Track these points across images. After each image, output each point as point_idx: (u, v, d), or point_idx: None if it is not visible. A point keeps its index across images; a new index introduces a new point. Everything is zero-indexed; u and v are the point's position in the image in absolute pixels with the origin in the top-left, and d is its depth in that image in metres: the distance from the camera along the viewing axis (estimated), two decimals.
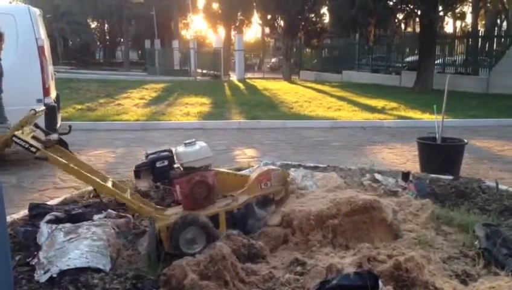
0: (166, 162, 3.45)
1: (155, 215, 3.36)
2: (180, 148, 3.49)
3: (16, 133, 3.07)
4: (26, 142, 3.08)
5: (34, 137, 3.30)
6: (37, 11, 6.85)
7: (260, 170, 3.72)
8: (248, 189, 3.57)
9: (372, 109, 12.91)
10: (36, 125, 3.47)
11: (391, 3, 20.22)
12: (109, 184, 3.45)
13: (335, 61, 30.19)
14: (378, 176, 4.83)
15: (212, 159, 3.55)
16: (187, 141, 3.53)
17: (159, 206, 3.68)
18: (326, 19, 32.73)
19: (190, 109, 12.76)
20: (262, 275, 2.88)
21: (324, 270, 2.80)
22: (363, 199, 3.49)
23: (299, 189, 4.56)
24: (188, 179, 3.35)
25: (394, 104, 13.80)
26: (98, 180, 3.35)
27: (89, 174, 3.33)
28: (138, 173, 3.50)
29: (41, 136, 3.46)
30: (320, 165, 5.83)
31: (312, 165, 5.83)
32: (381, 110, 12.80)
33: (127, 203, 3.37)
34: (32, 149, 3.09)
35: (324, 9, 31.50)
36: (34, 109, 3.28)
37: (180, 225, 3.18)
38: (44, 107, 3.48)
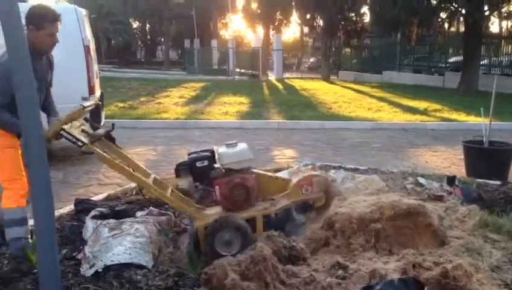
0: (206, 162, 3.46)
1: (194, 215, 3.39)
2: (222, 149, 3.50)
3: (64, 127, 3.14)
4: (74, 136, 3.15)
5: (83, 131, 3.37)
6: (83, 11, 7.03)
7: (302, 175, 3.65)
8: (288, 193, 3.51)
9: (414, 111, 12.63)
10: (86, 119, 3.56)
11: (434, 2, 19.74)
12: (150, 180, 3.48)
13: (375, 62, 29.70)
14: (421, 180, 4.72)
15: (253, 162, 3.52)
16: (229, 142, 3.53)
17: (198, 205, 3.69)
18: (367, 18, 32.32)
19: (229, 108, 12.82)
20: (303, 278, 2.84)
21: (367, 275, 2.75)
22: (407, 203, 3.41)
23: (340, 191, 4.52)
24: (227, 181, 3.34)
25: (437, 106, 13.45)
26: (141, 177, 3.40)
27: (132, 171, 3.38)
28: (178, 171, 3.54)
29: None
30: (361, 167, 5.74)
31: (352, 167, 5.75)
32: (424, 112, 12.50)
33: (166, 201, 3.39)
34: (79, 143, 3.16)
35: (365, 9, 31.08)
36: (83, 104, 3.35)
37: (216, 226, 3.19)
38: (93, 102, 3.55)
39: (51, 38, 3.30)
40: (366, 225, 3.32)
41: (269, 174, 3.85)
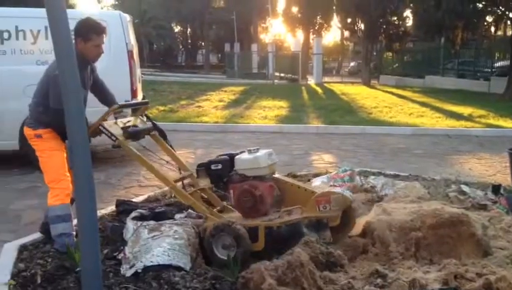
0: (220, 166, 3.52)
1: (206, 214, 3.45)
2: (240, 155, 3.52)
3: (104, 123, 3.41)
4: (109, 131, 3.41)
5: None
6: (127, 17, 7.20)
7: (321, 190, 3.48)
8: (303, 208, 3.34)
9: (458, 116, 12.29)
10: (147, 116, 3.87)
11: (480, 5, 19.22)
12: (176, 176, 3.68)
13: (417, 66, 29.14)
14: (465, 188, 4.60)
15: (267, 170, 3.43)
16: (251, 148, 3.53)
17: (230, 207, 3.71)
18: (410, 22, 31.82)
19: (268, 112, 12.85)
20: (341, 285, 2.81)
21: (406, 285, 2.70)
22: (450, 211, 3.32)
23: (379, 198, 4.45)
24: (238, 186, 3.38)
25: (482, 112, 13.04)
26: (165, 176, 3.56)
27: (158, 170, 3.54)
28: (197, 172, 3.67)
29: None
30: (402, 174, 5.63)
31: (393, 173, 5.65)
32: (468, 118, 12.14)
33: (182, 199, 3.52)
34: (113, 138, 3.41)
35: (407, 12, 30.58)
36: (118, 104, 3.65)
37: (212, 229, 3.24)
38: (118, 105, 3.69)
39: (97, 49, 3.53)
40: (406, 233, 3.25)
41: (295, 183, 3.69)
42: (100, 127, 3.40)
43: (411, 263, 3.05)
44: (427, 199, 4.22)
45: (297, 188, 3.55)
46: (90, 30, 3.47)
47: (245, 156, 3.47)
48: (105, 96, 3.87)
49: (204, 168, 3.60)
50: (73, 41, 3.48)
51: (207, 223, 3.39)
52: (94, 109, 3.84)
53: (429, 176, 5.36)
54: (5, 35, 6.33)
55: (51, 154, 3.45)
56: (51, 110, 3.32)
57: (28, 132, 3.52)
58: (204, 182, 3.62)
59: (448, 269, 2.78)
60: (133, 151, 3.47)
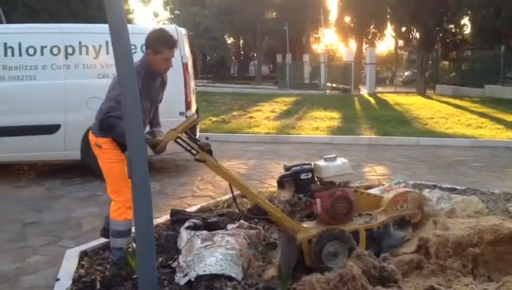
0: (310, 175, 3.55)
1: (297, 227, 3.44)
2: (321, 163, 3.57)
3: (180, 135, 3.35)
4: (189, 144, 3.36)
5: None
6: (183, 31, 7.42)
7: (397, 191, 3.66)
8: (385, 209, 3.58)
9: None
10: (185, 132, 3.72)
11: None
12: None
13: (476, 75, 28.02)
14: None
15: (351, 176, 3.62)
16: (327, 156, 3.59)
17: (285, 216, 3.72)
18: (467, 30, 30.78)
19: (319, 123, 12.79)
20: None
21: None
22: (510, 227, 3.19)
23: (435, 212, 4.33)
24: (329, 194, 3.42)
25: None
26: (250, 189, 3.56)
27: (241, 182, 3.54)
28: (282, 183, 3.60)
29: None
30: (459, 187, 5.46)
31: (449, 186, 5.49)
32: None
33: (269, 211, 3.45)
34: (193, 151, 3.35)
35: (465, 20, 29.60)
36: (187, 116, 3.57)
37: (325, 238, 3.27)
38: (195, 115, 3.73)
39: (166, 63, 3.43)
40: (463, 249, 3.16)
41: (358, 189, 3.90)
42: (178, 140, 3.31)
43: (468, 280, 2.97)
44: (486, 213, 4.08)
45: (361, 193, 3.73)
46: (161, 43, 3.34)
47: (331, 163, 3.53)
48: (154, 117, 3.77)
49: (291, 179, 3.55)
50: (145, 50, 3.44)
51: (301, 236, 3.34)
52: (163, 120, 3.86)
53: (488, 190, 5.17)
54: (70, 50, 6.66)
55: (111, 167, 3.44)
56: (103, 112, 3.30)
57: (91, 137, 3.52)
58: (284, 194, 3.60)
59: (507, 286, 2.68)
60: (216, 164, 3.40)
